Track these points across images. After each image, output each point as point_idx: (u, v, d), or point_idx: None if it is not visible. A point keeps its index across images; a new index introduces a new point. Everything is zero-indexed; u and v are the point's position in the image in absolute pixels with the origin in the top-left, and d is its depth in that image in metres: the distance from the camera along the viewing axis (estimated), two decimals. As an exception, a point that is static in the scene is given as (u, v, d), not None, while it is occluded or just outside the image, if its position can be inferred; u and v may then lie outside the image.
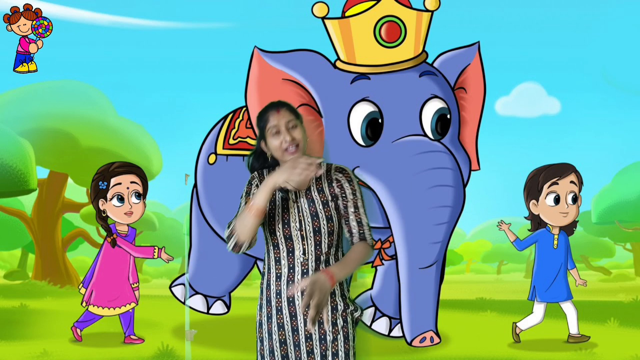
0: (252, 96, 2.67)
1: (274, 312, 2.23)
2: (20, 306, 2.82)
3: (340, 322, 2.22)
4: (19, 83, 2.79)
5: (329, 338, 2.20)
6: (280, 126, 2.20)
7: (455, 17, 2.71)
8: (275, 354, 2.22)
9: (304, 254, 2.20)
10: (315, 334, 2.20)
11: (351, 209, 2.27)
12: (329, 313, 2.20)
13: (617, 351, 2.77)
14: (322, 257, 2.22)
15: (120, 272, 2.81)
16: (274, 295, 2.23)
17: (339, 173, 2.30)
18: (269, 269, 2.26)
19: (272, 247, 2.24)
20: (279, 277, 2.23)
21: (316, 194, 2.23)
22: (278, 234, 2.22)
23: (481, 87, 2.74)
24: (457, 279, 2.82)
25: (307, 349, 2.20)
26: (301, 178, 2.08)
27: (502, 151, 2.76)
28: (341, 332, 2.21)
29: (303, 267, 2.20)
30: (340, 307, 2.23)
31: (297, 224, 2.20)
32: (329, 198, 2.24)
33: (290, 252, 2.21)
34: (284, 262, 2.21)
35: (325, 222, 2.21)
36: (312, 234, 2.20)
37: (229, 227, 2.18)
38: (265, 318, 2.25)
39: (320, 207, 2.22)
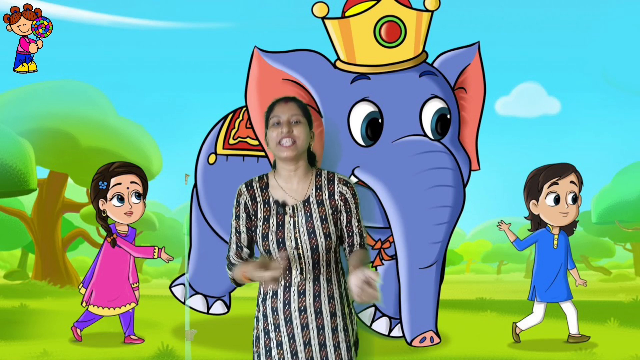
0: (252, 96, 2.67)
1: (271, 328, 2.16)
2: (20, 306, 2.82)
3: (343, 346, 2.15)
4: (19, 83, 2.79)
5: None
6: (282, 117, 2.10)
7: (455, 17, 2.71)
8: None
9: (301, 273, 2.11)
10: (317, 357, 2.12)
11: (355, 223, 2.18)
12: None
13: (617, 351, 2.77)
14: (321, 276, 2.13)
15: (120, 272, 2.81)
16: (270, 311, 2.16)
17: (343, 186, 2.18)
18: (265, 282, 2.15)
19: None
20: (274, 293, 2.15)
21: (315, 206, 2.13)
22: (273, 253, 2.11)
23: (481, 87, 2.74)
24: (457, 279, 2.82)
25: None
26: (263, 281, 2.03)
27: (502, 151, 2.76)
28: (346, 357, 2.15)
29: (300, 288, 2.12)
30: (342, 327, 2.17)
31: (293, 243, 2.09)
32: (329, 212, 2.13)
33: (287, 269, 2.11)
34: (279, 279, 2.10)
35: (323, 239, 2.10)
36: (309, 253, 2.09)
37: (228, 263, 2.22)
38: (262, 333, 2.18)
39: (318, 223, 2.11)
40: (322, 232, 2.10)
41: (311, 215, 2.12)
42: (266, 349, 2.17)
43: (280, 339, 2.15)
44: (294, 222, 2.12)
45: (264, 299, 2.19)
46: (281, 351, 2.14)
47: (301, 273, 2.12)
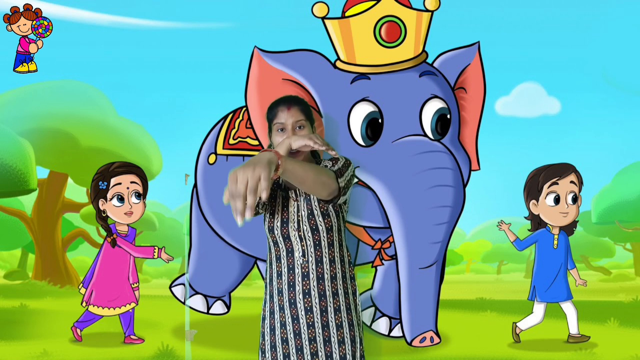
0: (252, 96, 2.67)
1: (276, 308, 2.22)
2: (20, 306, 2.82)
3: (346, 325, 2.20)
4: (19, 83, 2.79)
5: (334, 340, 2.18)
6: (287, 125, 2.17)
7: (455, 17, 2.71)
8: (278, 350, 2.21)
9: (303, 255, 2.18)
10: (319, 336, 2.18)
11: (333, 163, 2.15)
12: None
13: (617, 351, 2.77)
14: (324, 258, 2.19)
15: (120, 272, 2.81)
16: (276, 292, 2.22)
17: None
18: (270, 264, 2.25)
19: (272, 244, 2.23)
20: (279, 274, 2.22)
21: None
22: (276, 232, 2.19)
23: (481, 87, 2.74)
24: (457, 279, 2.82)
25: (312, 351, 2.18)
26: (314, 148, 2.06)
27: (502, 151, 2.76)
28: (348, 336, 2.19)
29: (303, 270, 2.18)
30: (345, 309, 2.21)
31: (295, 224, 2.18)
32: None
33: (290, 252, 2.19)
34: (283, 261, 2.20)
35: (321, 218, 2.17)
36: (310, 234, 2.17)
37: None
38: (268, 313, 2.25)
39: (316, 203, 2.18)
40: (319, 212, 2.17)
41: (310, 198, 2.19)
42: (271, 328, 2.23)
43: (284, 319, 2.20)
44: (297, 205, 2.19)
45: (271, 280, 2.24)
46: (284, 331, 2.20)
47: (304, 255, 2.18)
